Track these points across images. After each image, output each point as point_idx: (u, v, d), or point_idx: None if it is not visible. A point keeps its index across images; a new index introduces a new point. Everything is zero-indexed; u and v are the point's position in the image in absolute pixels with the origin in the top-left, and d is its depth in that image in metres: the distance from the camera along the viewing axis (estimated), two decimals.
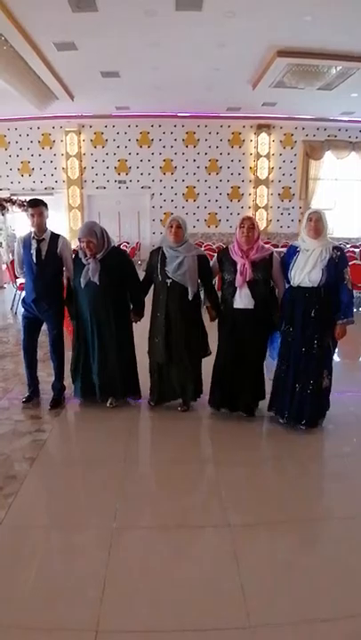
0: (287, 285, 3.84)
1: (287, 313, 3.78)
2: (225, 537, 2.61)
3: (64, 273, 4.25)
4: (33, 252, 4.09)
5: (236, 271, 3.80)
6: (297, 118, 15.56)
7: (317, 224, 3.66)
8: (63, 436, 3.89)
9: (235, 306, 3.85)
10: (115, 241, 4.24)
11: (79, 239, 3.98)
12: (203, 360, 4.21)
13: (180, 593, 2.23)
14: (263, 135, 16.07)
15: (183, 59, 10.39)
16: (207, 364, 4.18)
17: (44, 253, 4.11)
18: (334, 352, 3.94)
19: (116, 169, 16.37)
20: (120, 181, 16.44)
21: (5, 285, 10.92)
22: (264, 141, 16.12)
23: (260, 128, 16.00)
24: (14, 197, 13.66)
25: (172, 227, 3.94)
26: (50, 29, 8.92)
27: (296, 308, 3.71)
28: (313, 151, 16.24)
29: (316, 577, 2.32)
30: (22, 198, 13.80)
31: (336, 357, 4.92)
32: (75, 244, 4.60)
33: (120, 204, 16.38)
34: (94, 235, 3.96)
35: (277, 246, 13.97)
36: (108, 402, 4.33)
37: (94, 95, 13.19)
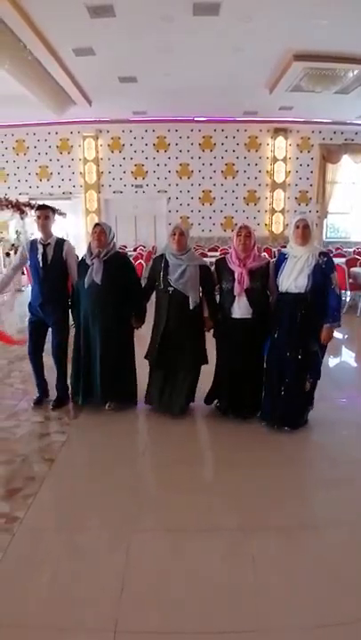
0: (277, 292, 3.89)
1: (274, 318, 3.86)
2: (241, 540, 2.62)
3: (69, 278, 4.32)
4: (39, 256, 4.19)
5: (233, 280, 3.84)
6: (314, 122, 15.48)
7: (304, 231, 3.75)
8: (82, 437, 3.92)
9: (233, 315, 3.92)
10: (123, 245, 4.32)
11: (94, 227, 4.11)
12: (201, 368, 4.25)
13: (198, 595, 2.23)
14: (280, 139, 16.01)
15: (200, 63, 10.42)
16: (204, 372, 4.25)
17: (49, 258, 4.20)
18: (323, 357, 3.96)
19: (132, 173, 16.44)
20: (137, 186, 16.50)
21: (24, 288, 11.03)
22: (281, 145, 16.06)
23: (277, 132, 15.95)
24: (33, 202, 13.78)
25: (174, 234, 4.00)
26: (68, 35, 9.01)
27: (283, 314, 3.79)
28: (330, 155, 16.14)
29: (332, 581, 2.31)
30: (41, 203, 13.93)
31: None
32: (82, 250, 4.66)
33: (137, 209, 16.43)
34: (108, 230, 4.14)
35: None
36: (107, 405, 4.37)
37: (112, 100, 13.27)
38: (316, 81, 11.13)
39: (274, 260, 4.07)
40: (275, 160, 16.15)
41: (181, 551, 2.57)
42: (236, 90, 12.23)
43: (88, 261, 4.10)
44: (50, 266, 4.21)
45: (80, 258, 4.26)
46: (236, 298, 3.86)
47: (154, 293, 4.23)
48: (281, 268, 3.81)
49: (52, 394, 4.54)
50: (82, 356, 4.27)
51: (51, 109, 12.68)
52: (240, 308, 3.87)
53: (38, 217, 4.25)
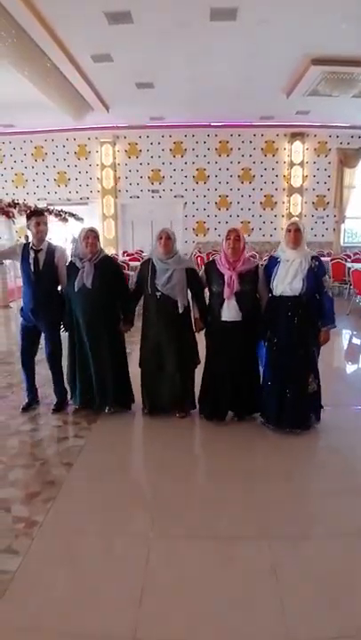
0: (270, 295, 3.91)
1: (271, 322, 3.88)
2: (263, 549, 2.58)
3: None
4: (31, 261, 4.21)
5: (223, 283, 3.86)
6: (331, 126, 15.42)
7: (296, 234, 3.79)
8: (100, 442, 3.92)
9: (222, 318, 3.92)
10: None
11: (87, 234, 4.12)
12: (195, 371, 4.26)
13: (218, 605, 2.21)
14: (297, 143, 15.96)
15: (217, 68, 10.44)
16: (198, 376, 4.25)
17: (41, 263, 4.22)
18: (318, 357, 4.03)
19: (149, 178, 16.51)
20: (153, 191, 16.56)
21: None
22: (298, 149, 16.01)
23: (294, 136, 15.90)
24: (51, 207, 13.91)
25: (161, 238, 4.02)
26: (87, 42, 9.10)
27: (280, 317, 3.81)
28: (347, 159, 16.03)
29: (358, 591, 2.27)
30: (58, 208, 14.06)
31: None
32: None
33: (153, 213, 16.48)
34: (98, 238, 4.20)
35: None
36: (106, 409, 4.40)
37: (129, 106, 13.36)
38: (333, 85, 11.08)
39: (262, 262, 4.08)
40: (292, 164, 16.10)
41: (201, 559, 2.54)
42: (253, 94, 12.23)
43: (78, 265, 4.12)
44: (41, 271, 4.22)
45: (69, 261, 4.28)
46: (226, 301, 3.88)
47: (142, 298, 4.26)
48: (274, 271, 3.84)
49: (45, 399, 4.64)
50: (76, 360, 4.30)
51: (69, 115, 12.80)
52: (229, 311, 3.89)
53: (37, 223, 4.20)
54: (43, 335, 4.41)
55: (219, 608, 2.19)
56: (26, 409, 4.48)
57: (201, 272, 4.19)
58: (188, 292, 4.10)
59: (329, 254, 14.23)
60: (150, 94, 12.13)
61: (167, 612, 2.17)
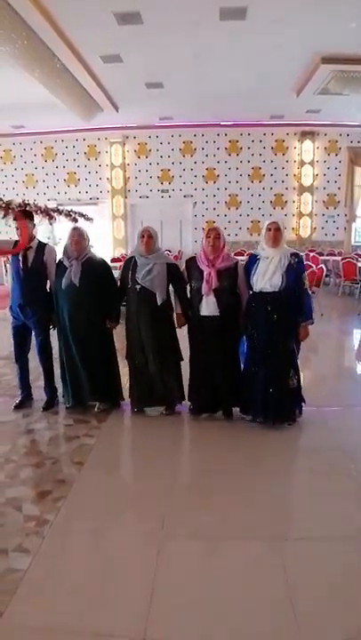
0: (250, 292, 3.99)
1: (251, 318, 3.96)
2: (275, 551, 2.57)
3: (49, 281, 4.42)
4: (20, 259, 4.29)
5: (202, 279, 3.95)
6: (342, 125, 15.34)
7: (276, 233, 3.90)
8: (110, 441, 3.94)
9: (201, 313, 4.02)
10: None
11: (71, 234, 4.23)
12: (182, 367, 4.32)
13: (229, 606, 2.20)
14: (307, 142, 15.90)
15: (227, 68, 10.43)
16: (186, 372, 4.29)
17: (30, 261, 4.31)
18: (298, 353, 4.10)
19: (159, 178, 16.52)
20: (163, 190, 16.58)
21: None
22: (308, 148, 15.94)
23: (304, 135, 15.84)
24: (61, 207, 13.96)
25: (143, 236, 4.15)
26: (96, 43, 9.13)
27: (259, 313, 3.90)
28: (358, 158, 15.94)
29: None
30: (68, 208, 14.11)
31: None
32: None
33: (162, 213, 16.48)
34: (84, 236, 4.27)
35: (322, 254, 13.78)
36: (96, 406, 4.45)
37: (138, 106, 13.38)
38: (344, 83, 11.02)
39: (242, 259, 4.14)
40: (302, 163, 16.04)
41: (212, 560, 2.54)
42: (263, 93, 12.20)
43: (66, 263, 4.21)
44: (30, 269, 4.31)
45: (57, 260, 4.37)
46: (204, 296, 3.97)
47: None
48: (253, 268, 3.93)
49: (37, 397, 4.66)
50: (65, 357, 4.37)
51: (79, 116, 12.85)
52: (208, 307, 3.98)
53: (16, 227, 4.35)
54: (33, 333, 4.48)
55: (228, 608, 2.18)
56: (19, 406, 4.53)
57: (182, 268, 4.28)
58: (171, 288, 4.22)
59: (340, 253, 14.19)
60: (160, 94, 12.14)
61: (177, 611, 2.17)
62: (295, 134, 15.94)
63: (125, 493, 3.19)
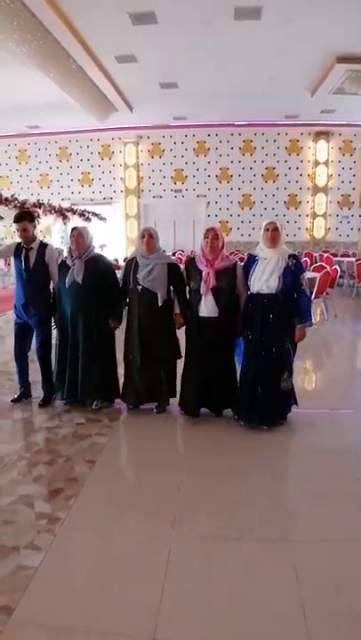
0: (248, 293, 3.98)
1: (248, 319, 3.96)
2: (285, 552, 2.55)
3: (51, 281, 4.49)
4: (22, 260, 4.37)
5: (201, 279, 3.97)
6: (356, 125, 15.25)
7: (274, 234, 3.85)
8: (122, 440, 3.95)
9: (200, 314, 4.02)
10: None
11: (72, 231, 4.32)
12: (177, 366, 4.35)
13: (239, 607, 2.19)
14: (322, 142, 15.83)
15: (241, 68, 10.42)
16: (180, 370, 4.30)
17: (32, 261, 4.38)
18: (295, 355, 4.08)
19: (172, 178, 16.55)
20: (176, 190, 16.60)
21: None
22: (322, 148, 15.88)
23: (319, 135, 15.78)
24: (74, 207, 14.04)
25: (144, 237, 4.17)
26: (111, 43, 9.18)
27: (255, 314, 3.89)
28: None
29: None
30: (82, 208, 14.19)
31: None
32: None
33: (175, 213, 16.51)
34: (85, 234, 4.33)
35: (336, 255, 13.68)
36: (93, 404, 4.48)
37: (152, 106, 13.42)
38: (359, 83, 10.96)
39: (240, 259, 4.12)
40: (316, 163, 15.97)
41: (222, 560, 2.53)
42: (278, 93, 12.17)
43: (69, 262, 4.28)
44: (32, 269, 4.37)
45: (60, 260, 4.46)
46: (203, 297, 3.97)
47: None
48: (251, 270, 3.92)
49: (35, 393, 4.73)
50: (65, 354, 4.41)
51: (93, 116, 12.92)
52: (206, 307, 3.98)
53: (17, 229, 4.40)
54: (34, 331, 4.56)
55: (239, 609, 2.18)
56: (17, 400, 4.62)
57: (182, 269, 4.30)
58: (172, 288, 4.24)
59: (354, 254, 14.08)
60: (174, 94, 12.16)
61: (187, 612, 2.16)
62: (309, 134, 15.87)
63: (136, 493, 3.19)
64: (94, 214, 14.95)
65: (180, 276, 4.24)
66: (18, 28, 7.54)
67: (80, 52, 9.38)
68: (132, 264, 4.24)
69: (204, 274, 3.97)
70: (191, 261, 4.17)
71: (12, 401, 4.62)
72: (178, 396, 4.34)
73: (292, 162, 16.14)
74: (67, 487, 3.15)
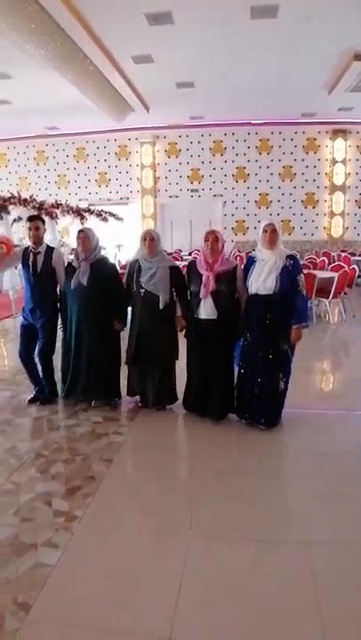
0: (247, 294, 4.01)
1: (246, 320, 4.00)
2: (303, 554, 2.54)
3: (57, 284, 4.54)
4: (30, 264, 4.43)
5: (201, 282, 4.00)
6: None
7: (272, 235, 3.88)
8: (139, 439, 3.96)
9: (199, 316, 4.06)
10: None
11: (79, 233, 4.37)
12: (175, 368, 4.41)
13: (256, 608, 2.19)
14: (339, 140, 15.67)
15: (258, 66, 10.36)
16: (181, 370, 4.34)
17: (40, 265, 4.44)
18: (293, 356, 4.07)
19: (188, 178, 16.53)
20: (192, 190, 16.58)
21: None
22: (340, 147, 15.70)
23: (336, 133, 15.62)
24: (92, 208, 14.11)
25: (145, 239, 4.20)
26: (128, 44, 9.19)
27: (253, 315, 3.93)
28: None
29: None
30: (99, 208, 14.26)
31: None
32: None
33: (192, 213, 16.50)
34: (92, 236, 4.39)
35: (354, 254, 13.55)
36: (93, 402, 4.56)
37: (169, 106, 13.42)
38: None
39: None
40: (334, 162, 15.81)
41: (239, 561, 2.53)
42: (294, 91, 12.08)
43: (75, 264, 4.35)
44: (40, 273, 4.44)
45: (67, 263, 4.52)
46: (202, 300, 4.00)
47: None
48: (250, 271, 3.94)
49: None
50: (70, 355, 4.49)
51: (110, 117, 12.96)
52: (206, 310, 4.01)
53: (29, 228, 4.47)
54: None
55: (255, 611, 2.17)
56: (32, 401, 4.68)
57: (184, 272, 4.33)
58: (174, 291, 4.28)
59: None
60: (190, 94, 12.14)
61: (204, 613, 2.16)
62: (327, 132, 15.73)
63: (153, 492, 3.20)
64: (111, 214, 15.00)
65: (182, 279, 4.27)
66: (36, 31, 7.60)
67: (97, 54, 9.42)
68: (134, 267, 4.27)
69: (204, 277, 4.00)
70: (192, 264, 4.20)
71: (28, 401, 4.67)
72: (183, 395, 4.38)
73: (310, 160, 16.01)
74: (84, 485, 3.18)
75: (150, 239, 4.19)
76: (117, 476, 3.35)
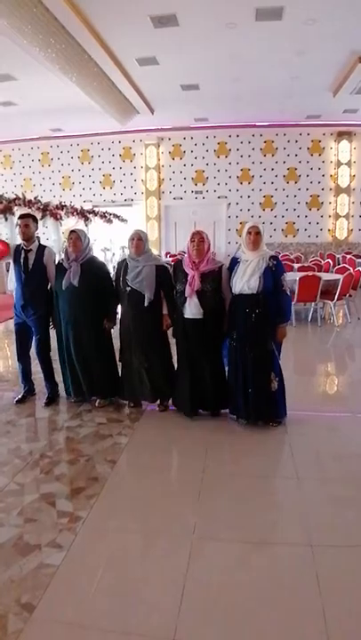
0: (231, 294, 4.07)
1: (231, 319, 4.06)
2: (306, 557, 2.53)
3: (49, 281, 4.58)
4: (22, 261, 4.48)
5: (187, 282, 4.05)
6: None
7: (256, 237, 3.94)
8: (143, 440, 3.95)
9: (185, 315, 4.12)
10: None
11: (70, 234, 4.40)
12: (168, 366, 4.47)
13: (260, 610, 2.18)
14: (344, 142, 15.65)
15: (263, 68, 10.37)
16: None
17: (31, 263, 4.49)
18: (280, 355, 4.15)
19: (193, 180, 16.55)
20: (197, 192, 16.60)
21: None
22: (345, 149, 15.69)
23: (341, 135, 15.60)
24: (96, 209, 14.15)
25: (133, 239, 4.28)
26: (132, 46, 9.22)
27: (238, 314, 3.99)
28: None
29: None
30: (103, 210, 14.29)
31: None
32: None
33: (196, 214, 16.51)
34: (83, 237, 4.42)
35: (359, 257, 13.52)
36: (97, 402, 4.60)
37: (174, 108, 13.44)
38: None
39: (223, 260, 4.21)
40: (339, 164, 15.80)
41: (244, 564, 2.52)
42: (299, 94, 12.08)
43: (65, 265, 4.37)
44: (31, 271, 4.49)
45: (57, 262, 4.54)
46: (188, 299, 4.06)
47: None
48: (234, 271, 4.01)
49: (39, 392, 4.87)
50: (64, 356, 4.55)
51: (115, 119, 12.99)
52: (191, 309, 4.07)
53: (19, 225, 4.53)
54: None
55: (259, 613, 2.16)
56: (20, 401, 4.73)
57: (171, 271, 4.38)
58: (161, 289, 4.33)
59: None
60: (195, 96, 12.16)
61: (207, 614, 2.16)
62: (331, 134, 15.72)
63: (157, 493, 3.19)
64: (115, 216, 15.03)
65: (169, 277, 4.32)
66: (41, 33, 7.63)
67: (102, 56, 9.45)
68: (122, 266, 4.35)
69: (189, 277, 4.05)
70: (178, 263, 4.25)
71: (16, 402, 4.71)
72: (172, 395, 4.45)
73: (314, 162, 16.00)
74: (88, 486, 3.18)
75: (138, 239, 4.27)
76: (121, 478, 3.35)
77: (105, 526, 2.81)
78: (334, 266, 11.32)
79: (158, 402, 4.53)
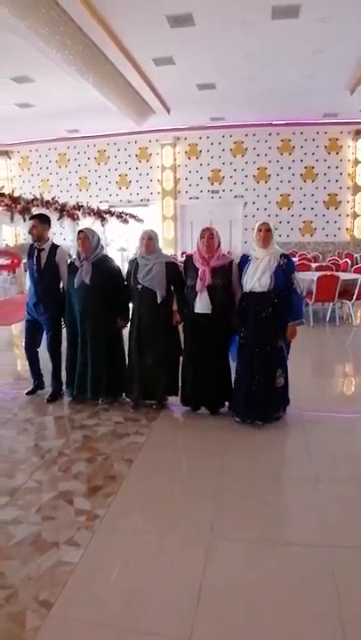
0: (242, 291, 4.08)
1: (241, 317, 4.07)
2: (325, 557, 2.51)
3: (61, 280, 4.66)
4: (34, 260, 4.58)
5: (197, 277, 4.09)
6: None
7: (266, 234, 3.97)
8: (160, 440, 3.96)
9: (195, 310, 4.15)
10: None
11: (79, 234, 4.48)
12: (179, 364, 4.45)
13: (276, 610, 2.17)
14: None
15: (279, 67, 10.32)
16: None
17: (43, 261, 4.58)
18: (288, 353, 4.16)
19: (209, 179, 16.53)
20: (213, 191, 16.58)
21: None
22: None
23: (359, 133, 15.44)
24: (113, 209, 14.20)
25: (143, 239, 4.34)
26: (149, 46, 9.24)
27: (249, 312, 3.99)
28: None
29: None
30: (120, 210, 14.34)
31: None
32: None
33: (212, 214, 16.46)
34: (91, 236, 4.45)
35: None
36: (100, 401, 4.61)
37: (190, 108, 13.44)
38: None
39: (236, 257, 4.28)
40: (356, 162, 15.65)
41: (260, 564, 2.50)
42: (316, 92, 12.00)
43: (77, 263, 4.43)
44: (43, 269, 4.58)
45: (69, 261, 4.61)
46: (198, 293, 4.09)
47: None
48: (245, 269, 4.03)
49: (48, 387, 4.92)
50: (74, 353, 4.58)
51: (131, 119, 13.03)
52: (201, 304, 4.10)
53: (31, 226, 4.63)
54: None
55: (276, 614, 2.15)
56: (30, 393, 4.89)
57: (180, 266, 4.43)
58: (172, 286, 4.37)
59: None
60: (211, 95, 12.14)
61: (224, 614, 2.15)
62: (349, 132, 15.58)
63: (174, 493, 3.19)
64: (132, 216, 15.08)
65: (179, 274, 4.36)
66: (58, 34, 7.69)
67: (118, 56, 9.49)
68: (133, 265, 4.39)
69: (200, 271, 4.08)
70: (189, 259, 4.29)
71: (26, 393, 4.86)
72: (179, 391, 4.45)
73: (332, 161, 15.87)
74: (106, 485, 3.19)
75: (148, 238, 4.32)
76: (138, 476, 3.35)
77: (122, 525, 2.82)
78: (352, 265, 11.21)
79: (155, 401, 4.54)
